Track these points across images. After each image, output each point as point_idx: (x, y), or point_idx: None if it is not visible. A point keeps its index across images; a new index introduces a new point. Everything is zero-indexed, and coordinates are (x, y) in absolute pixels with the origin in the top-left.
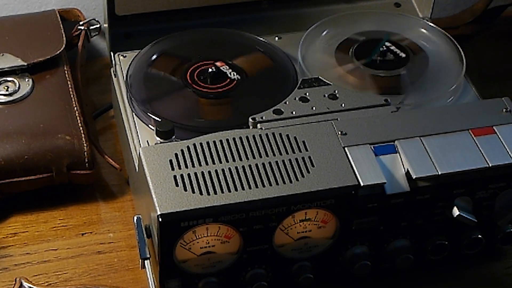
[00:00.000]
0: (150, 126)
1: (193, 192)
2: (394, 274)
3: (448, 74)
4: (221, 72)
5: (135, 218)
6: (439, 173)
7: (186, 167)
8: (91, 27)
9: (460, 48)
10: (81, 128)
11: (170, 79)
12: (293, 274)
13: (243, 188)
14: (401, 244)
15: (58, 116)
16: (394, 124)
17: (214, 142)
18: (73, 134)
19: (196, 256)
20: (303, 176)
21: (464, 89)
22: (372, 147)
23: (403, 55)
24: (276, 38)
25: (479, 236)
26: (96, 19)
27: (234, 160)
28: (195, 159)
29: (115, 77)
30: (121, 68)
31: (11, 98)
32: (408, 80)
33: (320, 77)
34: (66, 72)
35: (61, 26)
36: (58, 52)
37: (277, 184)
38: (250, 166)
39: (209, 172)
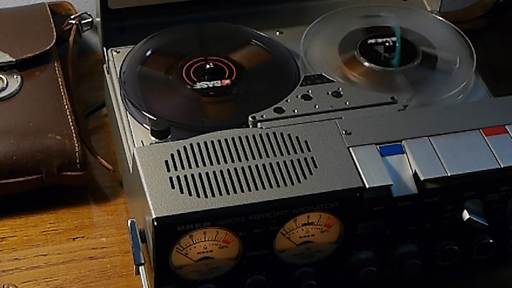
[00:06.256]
0: (144, 125)
1: (190, 194)
2: (401, 281)
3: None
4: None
5: (129, 222)
6: (448, 174)
7: (183, 168)
8: (83, 21)
9: (470, 43)
10: (72, 127)
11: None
12: (295, 280)
13: (242, 191)
14: (408, 249)
15: (48, 115)
16: (401, 123)
17: (212, 142)
18: (64, 134)
19: (193, 262)
20: (305, 177)
21: (475, 86)
22: (378, 147)
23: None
24: (277, 32)
25: (490, 240)
26: (88, 13)
27: (233, 161)
28: (192, 160)
29: (108, 73)
30: (114, 64)
31: None
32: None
33: (323, 73)
34: (56, 68)
35: (51, 20)
36: (48, 47)
37: (278, 186)
38: (250, 167)
39: (207, 174)
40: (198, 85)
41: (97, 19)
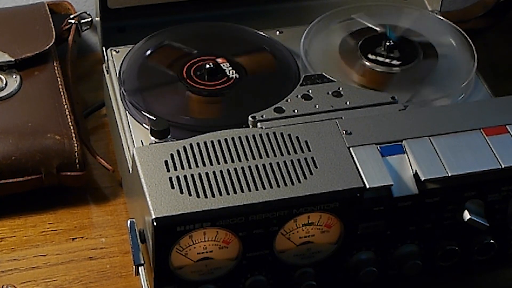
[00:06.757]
0: (144, 125)
1: (190, 194)
2: (401, 281)
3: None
4: (219, 68)
5: (129, 222)
6: (449, 174)
7: (182, 168)
8: (82, 21)
9: (471, 43)
10: (71, 127)
11: (166, 76)
12: (295, 281)
13: (242, 191)
14: (409, 250)
15: (47, 115)
16: (401, 123)
17: (212, 142)
18: (63, 134)
19: (193, 262)
20: (305, 178)
21: (476, 86)
22: (378, 147)
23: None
24: (277, 32)
25: (491, 241)
26: (88, 12)
27: (233, 161)
28: (191, 160)
29: (107, 73)
30: (114, 64)
31: None
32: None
33: (323, 73)
34: (55, 68)
35: (51, 19)
36: (47, 47)
37: (278, 186)
38: (249, 167)
39: (207, 174)
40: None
41: (96, 18)
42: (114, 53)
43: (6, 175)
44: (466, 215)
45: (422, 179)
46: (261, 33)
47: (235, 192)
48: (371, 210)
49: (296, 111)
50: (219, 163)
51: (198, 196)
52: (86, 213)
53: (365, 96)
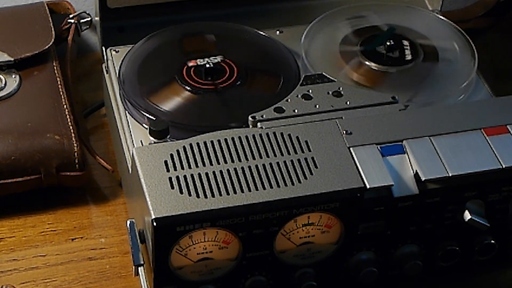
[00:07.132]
0: (144, 125)
1: (190, 195)
2: (402, 282)
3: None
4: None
5: (128, 222)
6: (450, 174)
7: (182, 168)
8: (82, 21)
9: (472, 43)
10: (71, 127)
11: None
12: (295, 281)
13: (242, 191)
14: (409, 250)
15: (47, 115)
16: (402, 123)
17: (212, 142)
18: (63, 134)
19: (193, 263)
20: (305, 178)
21: (476, 86)
22: (378, 147)
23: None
24: (278, 32)
25: (492, 241)
26: (87, 12)
27: (232, 161)
28: (191, 160)
29: (107, 73)
30: (114, 64)
31: None
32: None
33: (323, 73)
34: (55, 68)
35: (50, 19)
36: (46, 47)
37: (278, 186)
38: (249, 167)
39: (207, 174)
40: None
41: (96, 18)
42: (113, 53)
43: (6, 175)
44: (467, 215)
45: (423, 179)
46: (261, 33)
47: (235, 192)
48: (371, 210)
49: (296, 111)
50: (219, 163)
51: (198, 196)
52: (85, 213)
53: (365, 96)
